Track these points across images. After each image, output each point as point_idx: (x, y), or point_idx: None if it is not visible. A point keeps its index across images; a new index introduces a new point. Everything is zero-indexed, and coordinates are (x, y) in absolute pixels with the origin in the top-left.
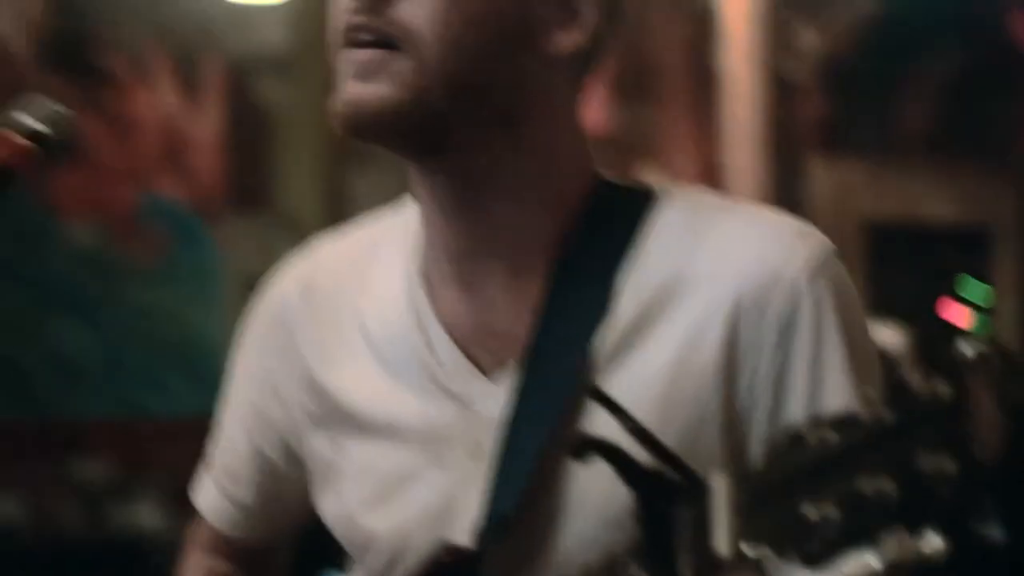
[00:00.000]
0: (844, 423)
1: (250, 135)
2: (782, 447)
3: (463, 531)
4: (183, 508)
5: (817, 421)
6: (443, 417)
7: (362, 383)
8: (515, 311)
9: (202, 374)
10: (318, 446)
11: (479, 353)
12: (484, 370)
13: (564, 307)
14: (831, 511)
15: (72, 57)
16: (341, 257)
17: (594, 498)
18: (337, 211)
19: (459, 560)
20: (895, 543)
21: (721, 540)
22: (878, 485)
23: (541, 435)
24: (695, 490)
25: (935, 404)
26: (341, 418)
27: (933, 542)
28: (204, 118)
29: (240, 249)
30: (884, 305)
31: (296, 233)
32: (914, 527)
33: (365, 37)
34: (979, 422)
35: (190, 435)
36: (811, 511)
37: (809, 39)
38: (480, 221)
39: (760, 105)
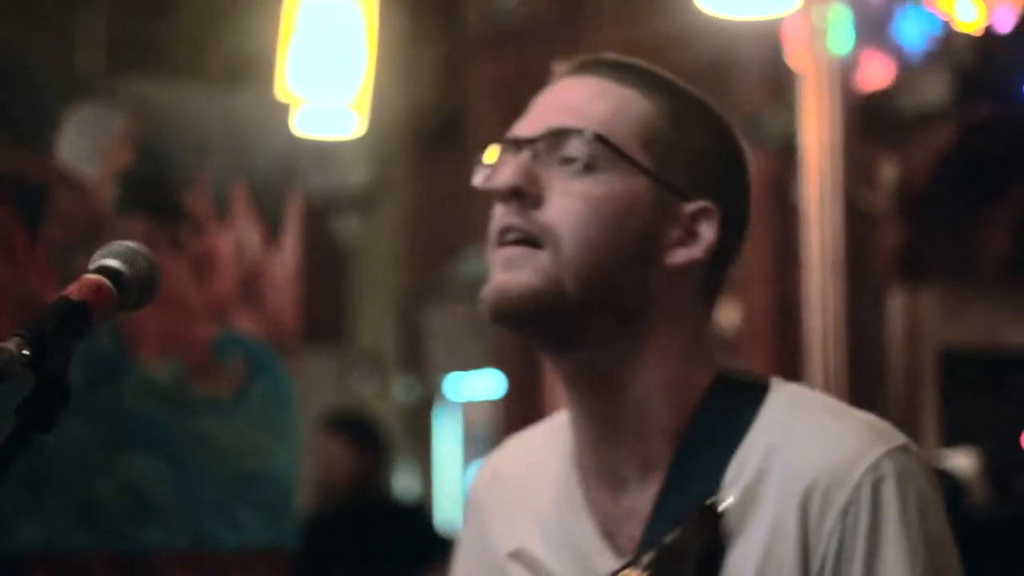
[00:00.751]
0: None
1: (328, 270)
2: None
3: None
4: None
5: None
6: None
7: (533, 561)
8: (643, 498)
9: (274, 506)
10: None
11: (616, 535)
12: (620, 549)
13: (678, 498)
14: None
15: (153, 197)
16: (522, 450)
17: None
18: (411, 345)
19: None
20: None
21: None
22: None
23: None
24: None
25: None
26: None
27: None
28: (282, 253)
29: (316, 383)
30: (960, 432)
31: (372, 366)
32: None
33: (513, 236)
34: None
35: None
36: None
37: (888, 169)
38: (609, 412)
39: (838, 235)
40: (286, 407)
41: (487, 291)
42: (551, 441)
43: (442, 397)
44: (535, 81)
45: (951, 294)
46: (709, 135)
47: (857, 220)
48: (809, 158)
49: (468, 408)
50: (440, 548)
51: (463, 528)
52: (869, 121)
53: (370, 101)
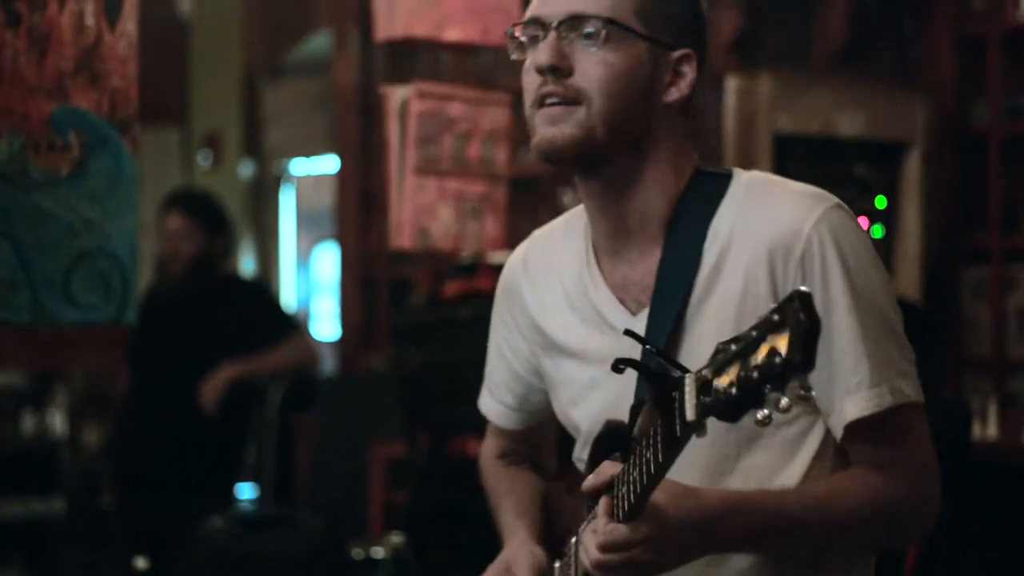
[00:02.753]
0: (738, 338)
1: (169, 48)
2: (717, 353)
3: (624, 413)
4: (92, 413)
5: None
6: (608, 342)
7: (562, 323)
8: (647, 268)
9: (114, 283)
10: (547, 366)
11: (627, 299)
12: (631, 310)
13: (673, 263)
14: (732, 388)
15: None
16: (545, 240)
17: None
18: (252, 125)
19: (618, 429)
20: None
21: (688, 410)
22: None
23: (662, 345)
24: (677, 386)
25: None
26: (553, 347)
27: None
28: (121, 29)
29: (156, 161)
30: None
31: (212, 145)
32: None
33: (554, 100)
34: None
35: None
36: (722, 386)
37: None
38: (620, 210)
39: None
40: (126, 184)
41: (537, 141)
42: (570, 231)
43: (283, 177)
44: None
45: (786, 81)
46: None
47: None
48: None
49: (306, 187)
50: (283, 324)
51: (500, 306)
52: None
53: None
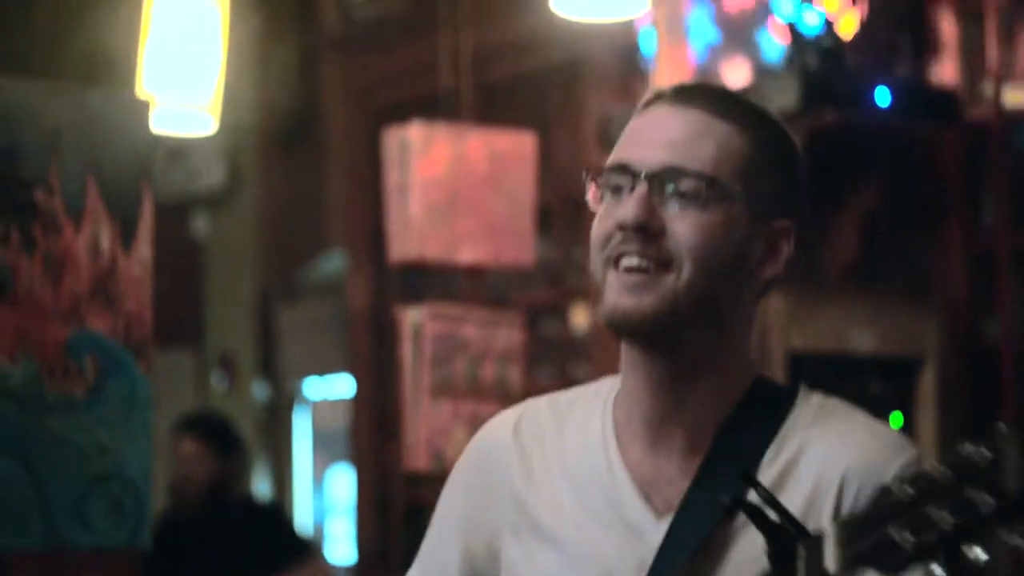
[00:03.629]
0: (917, 478)
1: (182, 270)
2: (875, 497)
3: None
4: None
5: (900, 478)
6: (619, 543)
7: (556, 505)
8: (685, 469)
9: (127, 507)
10: (511, 551)
11: (653, 496)
12: (657, 510)
13: (718, 472)
14: (907, 534)
15: (4, 196)
16: (544, 409)
17: None
18: (266, 346)
19: None
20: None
21: (830, 562)
22: (939, 515)
23: (685, 556)
24: (809, 537)
25: (980, 460)
26: (531, 529)
27: (978, 554)
28: (136, 253)
29: (170, 383)
30: None
31: (226, 367)
32: (965, 543)
33: (638, 263)
34: (1008, 473)
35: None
36: (893, 534)
37: None
38: (676, 397)
39: None
40: (140, 408)
41: (610, 311)
42: (586, 406)
43: (297, 398)
44: (388, 81)
45: (799, 298)
46: (787, 160)
47: None
48: None
49: (321, 409)
50: (298, 548)
51: (467, 473)
52: None
53: (223, 100)
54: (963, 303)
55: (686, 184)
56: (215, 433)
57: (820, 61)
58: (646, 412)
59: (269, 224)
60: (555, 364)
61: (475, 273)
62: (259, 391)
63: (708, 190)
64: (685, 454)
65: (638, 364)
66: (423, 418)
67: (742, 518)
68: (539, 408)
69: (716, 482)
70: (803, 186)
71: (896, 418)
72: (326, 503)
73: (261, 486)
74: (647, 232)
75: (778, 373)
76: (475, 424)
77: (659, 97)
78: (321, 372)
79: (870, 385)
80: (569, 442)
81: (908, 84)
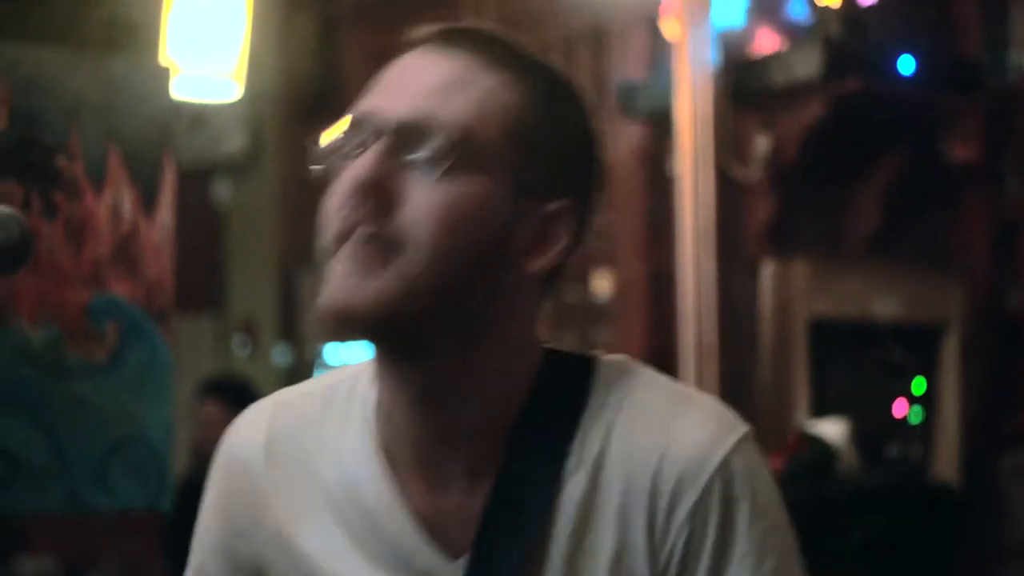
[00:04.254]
0: None
1: (204, 236)
2: None
3: None
4: None
5: None
6: None
7: (330, 551)
8: (472, 498)
9: (149, 471)
10: None
11: (442, 535)
12: (448, 552)
13: (515, 494)
14: None
15: (27, 162)
16: (297, 413)
17: None
18: (288, 311)
19: None
20: None
21: None
22: None
23: None
24: None
25: None
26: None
27: None
28: (157, 218)
29: (192, 348)
30: (831, 401)
31: (248, 332)
32: None
33: (365, 237)
34: None
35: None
36: None
37: (760, 142)
38: (441, 416)
39: (711, 207)
40: (162, 372)
41: (325, 304)
42: (337, 416)
43: (318, 363)
44: (410, 48)
45: (821, 266)
46: (574, 126)
47: (730, 191)
48: (682, 129)
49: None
50: None
51: (219, 493)
52: (742, 93)
53: (246, 67)
54: (985, 271)
55: (433, 142)
56: (238, 397)
57: (843, 30)
58: (410, 431)
59: (292, 190)
60: (577, 330)
61: None
62: (281, 356)
63: (460, 151)
64: (470, 481)
65: (389, 377)
66: None
67: (563, 548)
68: (291, 412)
69: (513, 511)
70: (594, 160)
71: (919, 384)
72: None
73: None
74: (376, 199)
75: (800, 341)
76: None
77: (422, 39)
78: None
79: (893, 352)
80: (330, 465)
81: (931, 53)
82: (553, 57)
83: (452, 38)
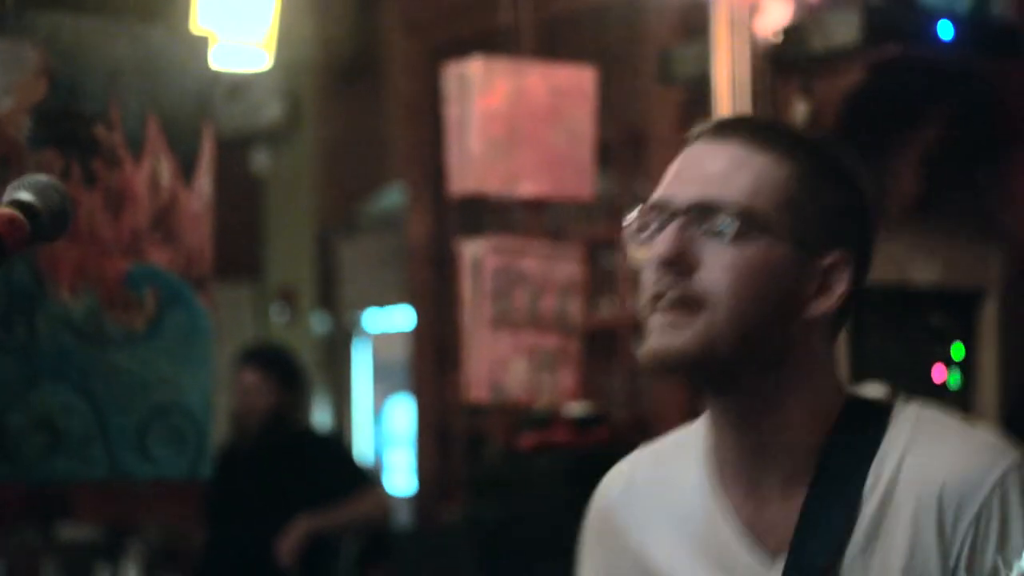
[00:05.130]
0: None
1: (242, 205)
2: None
3: None
4: (167, 568)
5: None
6: None
7: (678, 563)
8: (786, 508)
9: (189, 438)
10: None
11: (762, 538)
12: (767, 551)
13: (825, 505)
14: None
15: (66, 131)
16: (651, 462)
17: None
18: (326, 279)
19: None
20: None
21: None
22: None
23: None
24: None
25: None
26: None
27: None
28: (196, 187)
29: (231, 316)
30: (872, 367)
31: (286, 300)
32: None
33: (670, 302)
34: None
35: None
36: None
37: (799, 108)
38: (759, 435)
39: None
40: (200, 340)
41: (645, 352)
42: (682, 453)
43: (356, 331)
44: (448, 16)
45: None
46: (840, 189)
47: None
48: (721, 96)
49: (380, 341)
50: (357, 478)
51: (591, 542)
52: (780, 60)
53: (282, 36)
54: None
55: (721, 219)
56: (277, 365)
57: None
58: (738, 455)
59: (329, 159)
60: (615, 297)
61: (535, 206)
62: (319, 324)
63: (743, 224)
64: (787, 493)
65: (713, 411)
66: (483, 350)
67: (858, 547)
68: (647, 461)
69: (822, 516)
70: (865, 213)
71: (958, 350)
72: (385, 434)
73: (321, 418)
74: (679, 267)
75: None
76: (534, 356)
77: (699, 134)
78: (381, 305)
79: (932, 317)
80: (676, 493)
81: (971, 18)
82: (591, 22)
83: (726, 129)
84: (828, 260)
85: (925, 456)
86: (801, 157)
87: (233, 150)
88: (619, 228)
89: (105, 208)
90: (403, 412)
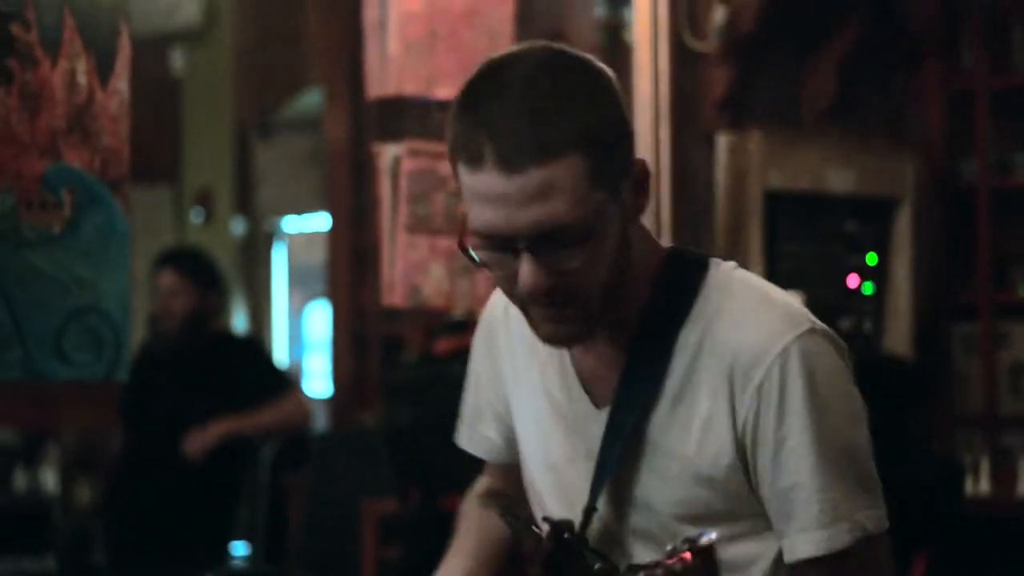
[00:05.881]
0: None
1: (160, 107)
2: None
3: (581, 504)
4: (84, 471)
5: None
6: (573, 431)
7: (524, 395)
8: (614, 362)
9: (106, 340)
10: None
11: (593, 391)
12: (596, 404)
13: (640, 365)
14: None
15: None
16: None
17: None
18: (243, 183)
19: (567, 530)
20: None
21: None
22: None
23: (620, 448)
24: None
25: None
26: (518, 401)
27: None
28: (113, 88)
29: (148, 219)
30: (786, 274)
31: (204, 203)
32: None
33: (550, 302)
34: None
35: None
36: None
37: (718, 12)
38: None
39: (668, 78)
40: (118, 242)
41: (541, 336)
42: None
43: (274, 234)
44: None
45: (777, 139)
46: (613, 119)
47: (686, 62)
48: (639, 0)
49: (297, 244)
50: (277, 381)
51: (478, 345)
52: None
53: None
54: (940, 144)
55: (562, 236)
56: (195, 267)
57: None
58: None
59: (247, 60)
60: None
61: None
62: (236, 227)
63: (580, 228)
64: (611, 350)
65: None
66: (400, 255)
67: (666, 408)
68: None
69: (638, 375)
70: (619, 109)
71: (871, 257)
72: (303, 338)
73: (238, 322)
74: (550, 295)
75: (755, 213)
76: (452, 261)
77: (481, 160)
78: (299, 209)
79: (845, 224)
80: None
81: None
82: None
83: (512, 157)
84: (633, 175)
85: (725, 325)
86: (586, 128)
87: (150, 50)
88: None
89: (21, 108)
90: (320, 316)
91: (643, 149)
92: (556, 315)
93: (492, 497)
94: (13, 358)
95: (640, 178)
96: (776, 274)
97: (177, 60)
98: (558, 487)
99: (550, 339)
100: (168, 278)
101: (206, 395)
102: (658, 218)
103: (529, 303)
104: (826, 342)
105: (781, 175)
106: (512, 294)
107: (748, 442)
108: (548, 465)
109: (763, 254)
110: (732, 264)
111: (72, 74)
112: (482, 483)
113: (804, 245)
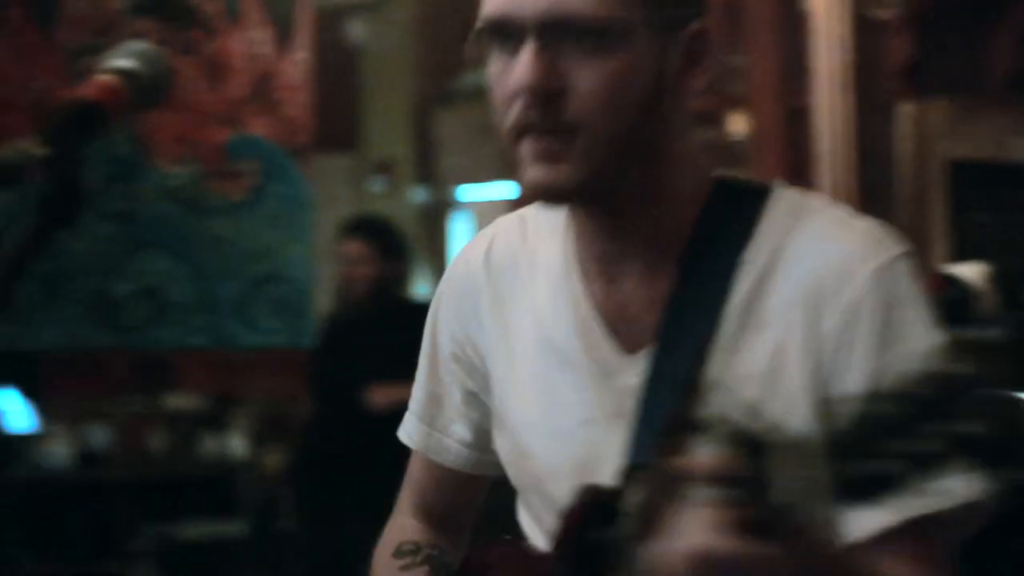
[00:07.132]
0: (901, 398)
1: (340, 76)
2: (852, 413)
3: (606, 477)
4: (270, 438)
5: (877, 396)
6: (590, 386)
7: (527, 352)
8: (649, 301)
9: (291, 307)
10: (495, 389)
11: (620, 334)
12: (625, 348)
13: (691, 296)
14: (893, 465)
15: (164, 1)
16: (515, 232)
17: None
18: (424, 151)
19: (602, 498)
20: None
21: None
22: (929, 445)
23: (670, 404)
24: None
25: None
26: (506, 360)
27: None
28: (294, 57)
29: (329, 187)
30: (969, 244)
31: (385, 172)
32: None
33: (545, 129)
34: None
35: (277, 366)
36: (875, 466)
37: None
38: (618, 230)
39: (847, 46)
40: (301, 210)
41: (529, 183)
42: (546, 232)
43: (455, 202)
44: None
45: (959, 107)
46: None
47: (866, 30)
48: None
49: (479, 212)
50: None
51: (449, 302)
52: None
53: None
54: None
55: (580, 32)
56: (380, 235)
57: None
58: (599, 249)
59: (427, 29)
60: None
61: None
62: (417, 196)
63: (604, 35)
64: (648, 285)
65: (579, 214)
66: None
67: (726, 345)
68: (511, 231)
69: (687, 313)
70: None
71: None
72: None
73: (421, 289)
74: (545, 95)
75: (938, 182)
76: None
77: None
78: (479, 178)
79: None
80: (537, 274)
81: None
82: None
83: None
84: (689, 33)
85: (804, 242)
86: None
87: (330, 20)
88: (718, 101)
89: (204, 77)
90: None
91: (823, 119)
92: (549, 150)
93: (414, 553)
94: (199, 324)
95: (697, 44)
96: (962, 245)
97: (357, 29)
98: (571, 458)
99: (539, 184)
100: (354, 246)
101: (393, 362)
102: (838, 188)
103: (520, 117)
104: (909, 265)
105: (964, 145)
106: (505, 119)
107: (831, 368)
108: (553, 432)
109: (947, 225)
110: (798, 190)
111: (254, 44)
112: (402, 516)
113: (990, 215)
